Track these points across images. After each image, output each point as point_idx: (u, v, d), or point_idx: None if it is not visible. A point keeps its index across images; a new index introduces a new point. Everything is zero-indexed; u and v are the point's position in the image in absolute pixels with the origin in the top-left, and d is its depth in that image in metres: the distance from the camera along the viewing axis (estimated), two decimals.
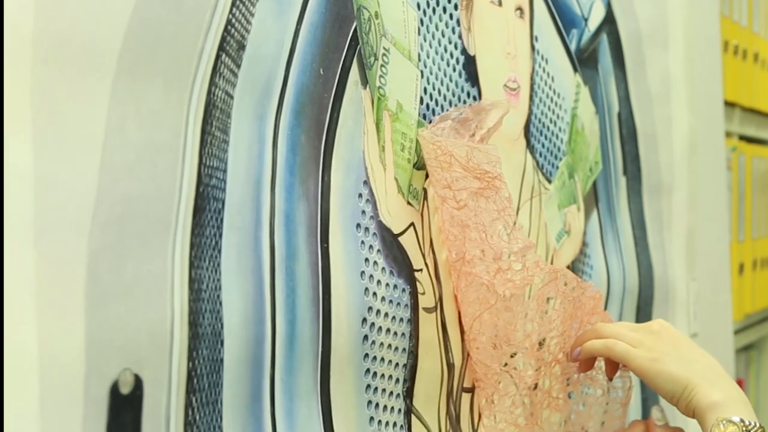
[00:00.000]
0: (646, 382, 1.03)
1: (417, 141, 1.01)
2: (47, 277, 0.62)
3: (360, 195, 0.92)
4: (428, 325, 1.02)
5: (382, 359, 0.94)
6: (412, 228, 1.00)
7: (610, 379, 1.11)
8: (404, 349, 0.98)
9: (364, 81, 0.93)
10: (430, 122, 1.04)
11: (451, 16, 1.09)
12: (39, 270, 0.61)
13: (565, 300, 1.07)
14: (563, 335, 1.08)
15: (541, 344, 1.08)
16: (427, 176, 1.03)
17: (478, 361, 1.07)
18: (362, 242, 0.92)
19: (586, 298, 1.08)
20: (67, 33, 0.63)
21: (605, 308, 1.46)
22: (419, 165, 1.01)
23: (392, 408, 0.96)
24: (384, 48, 0.96)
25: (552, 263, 1.30)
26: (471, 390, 1.10)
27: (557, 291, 1.07)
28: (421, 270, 1.01)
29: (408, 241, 0.99)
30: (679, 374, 0.99)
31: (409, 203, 1.00)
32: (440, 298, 1.04)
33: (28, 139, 0.61)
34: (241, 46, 0.79)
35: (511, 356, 1.07)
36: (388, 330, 0.95)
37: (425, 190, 1.03)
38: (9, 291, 0.59)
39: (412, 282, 0.99)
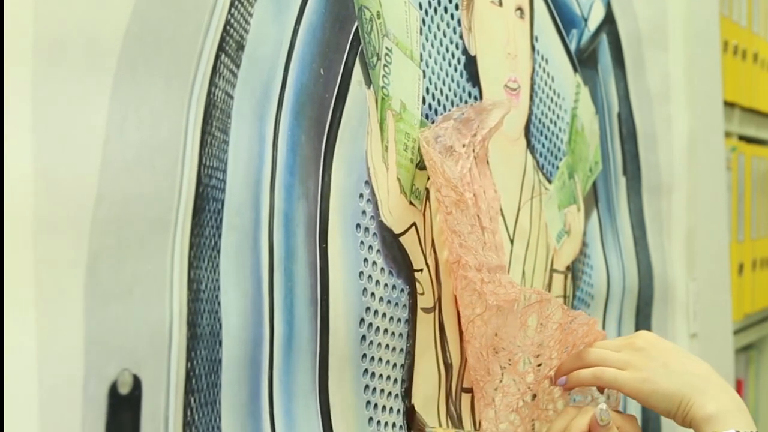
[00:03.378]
0: (640, 403, 1.02)
1: None
2: (46, 278, 0.61)
3: (361, 195, 0.92)
4: (425, 326, 1.02)
5: (380, 359, 0.94)
6: (413, 228, 1.00)
7: (601, 392, 1.10)
8: (401, 350, 0.98)
9: (368, 81, 0.93)
10: (433, 122, 1.04)
11: (452, 16, 1.09)
12: (38, 270, 0.61)
13: (549, 324, 1.05)
14: (553, 360, 1.07)
15: (524, 364, 1.07)
16: (429, 176, 1.03)
17: (470, 364, 1.07)
18: (362, 242, 0.92)
19: (578, 325, 1.06)
20: (67, 33, 0.63)
21: (605, 309, 1.46)
22: (422, 165, 1.01)
23: (391, 408, 0.96)
24: (386, 48, 0.96)
25: (552, 263, 1.30)
26: (470, 390, 1.10)
27: (541, 314, 1.05)
28: (421, 270, 1.01)
29: (409, 241, 0.99)
30: (672, 390, 0.98)
31: (411, 203, 1.00)
32: (439, 299, 1.04)
33: (28, 139, 0.61)
34: (240, 47, 0.79)
35: (500, 367, 1.06)
36: (386, 330, 0.95)
37: (427, 191, 1.03)
38: (8, 291, 0.59)
39: (411, 282, 0.99)
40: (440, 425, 1.04)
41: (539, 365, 1.07)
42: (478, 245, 1.02)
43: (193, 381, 0.73)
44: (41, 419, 0.61)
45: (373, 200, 0.94)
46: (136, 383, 0.68)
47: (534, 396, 1.08)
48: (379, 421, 0.94)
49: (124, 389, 0.67)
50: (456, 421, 1.06)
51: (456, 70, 1.10)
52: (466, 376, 1.09)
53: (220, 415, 0.76)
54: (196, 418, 0.73)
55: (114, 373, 0.66)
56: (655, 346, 1.03)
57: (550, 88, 1.30)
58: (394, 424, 0.96)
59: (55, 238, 0.62)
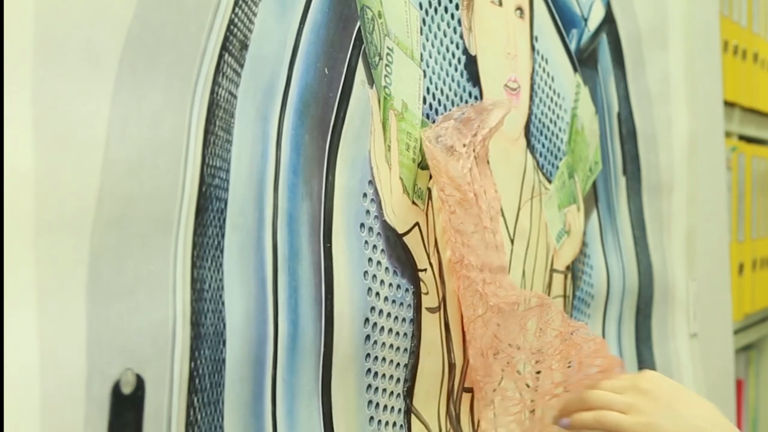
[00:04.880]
0: None
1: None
2: (48, 277, 0.61)
3: (365, 195, 0.92)
4: (431, 325, 1.02)
5: (384, 359, 0.94)
6: (417, 228, 1.00)
7: None
8: (406, 349, 0.98)
9: (371, 80, 0.93)
10: (433, 122, 1.04)
11: (452, 16, 1.09)
12: (40, 270, 0.61)
13: (548, 330, 1.05)
14: (553, 370, 1.06)
15: (520, 371, 1.06)
16: (431, 176, 1.03)
17: (471, 365, 1.07)
18: (366, 242, 0.92)
19: (581, 339, 1.05)
20: (69, 33, 0.63)
21: (605, 309, 1.46)
22: (424, 165, 1.01)
23: (392, 408, 0.96)
24: (388, 48, 0.96)
25: (552, 263, 1.30)
26: (471, 390, 1.10)
27: (540, 318, 1.05)
28: (425, 270, 1.01)
29: (413, 241, 0.99)
30: None
31: (414, 203, 1.00)
32: (443, 298, 1.04)
33: (29, 139, 0.61)
34: (244, 46, 0.79)
35: (501, 369, 1.06)
36: (390, 330, 0.95)
37: (429, 190, 1.03)
38: (10, 291, 0.59)
39: (415, 282, 0.99)
40: (439, 428, 1.04)
41: (538, 372, 1.07)
42: (480, 245, 1.02)
43: (197, 381, 0.73)
44: (43, 419, 0.61)
45: (377, 200, 0.93)
46: (139, 383, 0.68)
47: (533, 411, 1.08)
48: (380, 421, 0.94)
49: (127, 389, 0.67)
50: (454, 421, 1.06)
51: (456, 69, 1.09)
52: (467, 375, 1.09)
53: (223, 415, 0.76)
54: (199, 417, 0.73)
55: (117, 372, 0.66)
56: (660, 387, 1.02)
57: (550, 87, 1.30)
58: (394, 423, 0.96)
59: (56, 238, 0.62)
